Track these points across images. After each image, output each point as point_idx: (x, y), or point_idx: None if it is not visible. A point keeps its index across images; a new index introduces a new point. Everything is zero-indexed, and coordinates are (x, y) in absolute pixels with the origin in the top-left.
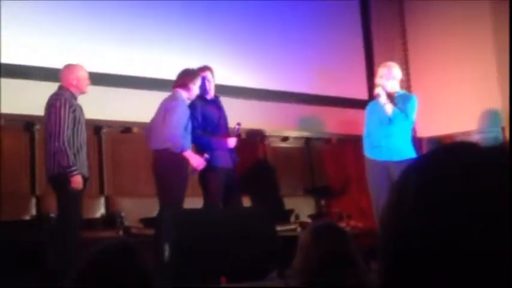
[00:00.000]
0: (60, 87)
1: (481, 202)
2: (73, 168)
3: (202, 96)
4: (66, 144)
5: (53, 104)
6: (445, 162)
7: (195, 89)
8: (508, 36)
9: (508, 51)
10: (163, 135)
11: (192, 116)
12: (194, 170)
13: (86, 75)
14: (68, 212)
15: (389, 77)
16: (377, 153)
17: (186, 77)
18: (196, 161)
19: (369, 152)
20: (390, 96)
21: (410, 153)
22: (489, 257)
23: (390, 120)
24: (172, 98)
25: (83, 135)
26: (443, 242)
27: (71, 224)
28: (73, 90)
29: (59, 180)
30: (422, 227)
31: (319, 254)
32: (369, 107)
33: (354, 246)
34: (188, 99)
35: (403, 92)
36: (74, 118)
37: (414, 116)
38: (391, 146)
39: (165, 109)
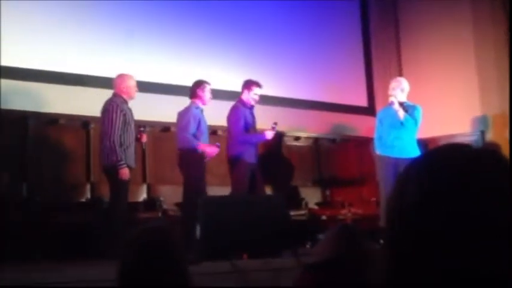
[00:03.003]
0: (113, 94)
1: (470, 193)
2: (121, 162)
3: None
4: (116, 142)
5: (107, 109)
6: (440, 160)
7: (205, 96)
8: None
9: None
10: (178, 138)
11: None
12: (208, 156)
13: (135, 84)
14: (118, 197)
15: (399, 89)
16: (390, 151)
17: (195, 87)
18: (210, 149)
19: (381, 151)
20: (401, 105)
21: (416, 152)
22: (478, 237)
23: (402, 124)
24: (185, 108)
25: (132, 134)
26: (441, 224)
27: (120, 206)
28: (124, 96)
29: (111, 171)
30: (422, 213)
31: (338, 248)
32: (380, 114)
33: (368, 252)
34: (202, 105)
35: (409, 102)
36: (124, 121)
37: (420, 122)
38: (401, 146)
39: (177, 117)
